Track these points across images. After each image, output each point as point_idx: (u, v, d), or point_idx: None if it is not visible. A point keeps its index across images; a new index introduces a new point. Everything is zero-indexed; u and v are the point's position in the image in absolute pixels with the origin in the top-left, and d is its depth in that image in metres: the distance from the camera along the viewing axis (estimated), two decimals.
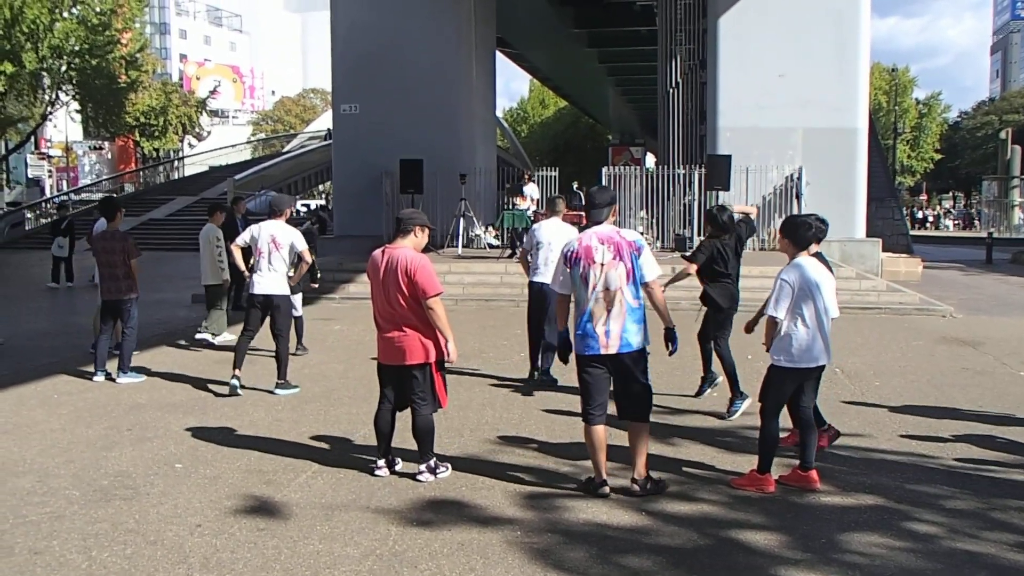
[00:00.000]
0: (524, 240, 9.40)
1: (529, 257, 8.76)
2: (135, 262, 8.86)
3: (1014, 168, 44.24)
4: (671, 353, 5.42)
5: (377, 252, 5.69)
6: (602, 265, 5.24)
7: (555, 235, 8.53)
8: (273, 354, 8.35)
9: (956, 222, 57.34)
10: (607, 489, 5.37)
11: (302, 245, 8.31)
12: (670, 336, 5.37)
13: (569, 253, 5.39)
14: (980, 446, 6.56)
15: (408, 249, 5.58)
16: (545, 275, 8.53)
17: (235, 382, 8.00)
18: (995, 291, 18.15)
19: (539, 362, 8.74)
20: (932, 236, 43.22)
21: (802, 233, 5.61)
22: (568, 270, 5.39)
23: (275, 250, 8.12)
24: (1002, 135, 48.18)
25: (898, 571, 4.40)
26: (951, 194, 73.55)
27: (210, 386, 8.45)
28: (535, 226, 8.99)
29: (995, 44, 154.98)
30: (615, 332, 5.23)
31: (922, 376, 9.25)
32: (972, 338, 11.71)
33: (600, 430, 5.35)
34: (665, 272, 5.94)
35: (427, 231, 5.74)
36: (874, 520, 5.04)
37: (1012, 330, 12.64)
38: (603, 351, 5.26)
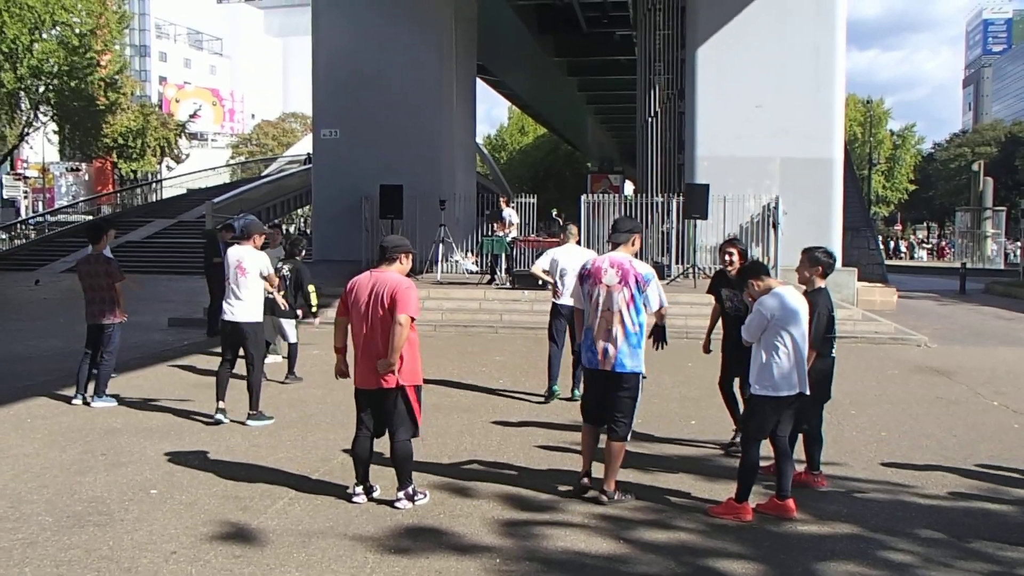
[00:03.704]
0: (539, 261, 9.57)
1: (557, 281, 9.06)
2: (120, 286, 8.78)
3: (987, 200, 44.89)
4: (655, 347, 6.07)
5: (363, 275, 5.72)
6: (607, 287, 5.71)
7: (577, 261, 8.70)
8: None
9: (929, 251, 58.04)
10: (585, 480, 5.88)
11: (268, 269, 8.17)
12: (656, 329, 6.07)
13: (583, 271, 5.95)
14: (954, 475, 6.62)
15: (395, 273, 5.64)
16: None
17: (220, 416, 7.85)
18: (969, 321, 18.36)
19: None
20: (906, 266, 43.70)
21: (758, 265, 6.01)
22: (580, 286, 5.90)
23: (241, 276, 7.93)
24: (975, 167, 48.93)
25: None
26: (925, 224, 74.49)
27: (190, 415, 8.37)
28: (553, 252, 9.27)
29: (968, 77, 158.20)
30: (612, 352, 5.66)
31: (897, 405, 9.33)
32: (946, 368, 11.83)
33: (586, 428, 5.96)
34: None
35: (411, 257, 5.82)
36: (850, 549, 5.07)
37: (986, 360, 12.78)
38: (600, 367, 5.71)
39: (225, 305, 8.03)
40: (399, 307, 5.43)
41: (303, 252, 10.57)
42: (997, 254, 43.67)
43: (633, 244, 5.94)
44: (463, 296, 16.52)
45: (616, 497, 5.75)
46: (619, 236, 5.92)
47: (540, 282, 9.35)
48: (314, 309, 10.58)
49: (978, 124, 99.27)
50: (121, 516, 5.43)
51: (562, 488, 6.06)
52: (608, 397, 5.75)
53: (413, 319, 5.51)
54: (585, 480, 5.92)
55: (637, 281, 5.67)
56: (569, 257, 8.96)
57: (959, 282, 26.52)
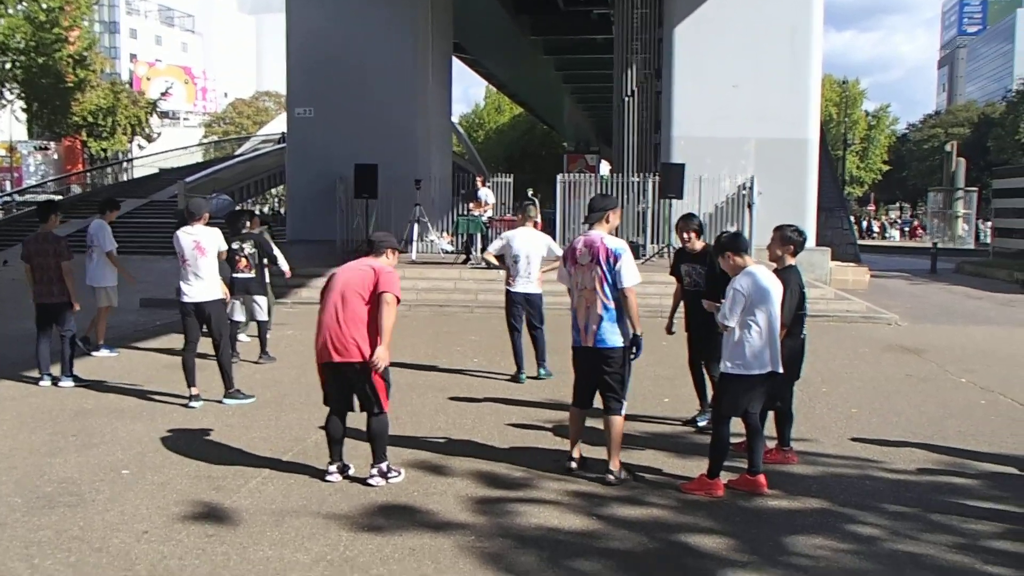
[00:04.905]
0: (493, 244, 9.50)
1: (508, 264, 9.04)
2: (67, 265, 8.65)
3: (959, 180, 45.26)
4: (634, 357, 5.85)
5: (349, 262, 5.80)
6: (582, 266, 5.83)
7: (530, 245, 8.90)
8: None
9: (901, 230, 58.57)
10: (572, 464, 5.97)
11: (223, 245, 8.17)
12: (634, 341, 5.81)
13: (565, 252, 6.12)
14: (922, 450, 6.72)
15: (381, 261, 5.71)
16: (527, 285, 8.95)
17: (194, 404, 7.75)
18: (939, 300, 18.58)
19: (528, 361, 9.13)
20: (879, 246, 44.13)
21: (740, 241, 5.84)
22: (563, 268, 6.07)
23: (200, 256, 7.83)
24: (948, 148, 49.29)
25: (842, 573, 4.50)
26: (898, 205, 75.10)
27: (163, 396, 8.31)
28: (509, 235, 9.18)
29: (942, 59, 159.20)
30: (592, 328, 5.76)
31: (868, 383, 9.45)
32: (916, 346, 11.98)
33: (574, 412, 6.05)
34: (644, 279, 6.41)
35: (396, 254, 5.88)
36: (819, 523, 5.15)
37: (955, 338, 12.96)
38: (583, 343, 5.83)
39: (184, 286, 7.86)
40: (382, 285, 5.47)
41: (247, 223, 10.32)
42: (968, 234, 44.16)
43: (608, 221, 5.93)
44: (438, 276, 16.49)
45: (623, 477, 5.79)
46: (593, 216, 5.98)
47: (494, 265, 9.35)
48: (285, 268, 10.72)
49: (952, 105, 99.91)
50: (92, 497, 5.39)
51: (535, 466, 6.10)
52: (596, 374, 5.83)
53: (398, 300, 5.53)
54: (572, 464, 5.98)
55: (607, 257, 5.71)
56: (523, 241, 8.96)
57: (930, 262, 26.82)
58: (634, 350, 5.82)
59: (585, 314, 5.78)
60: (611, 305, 5.72)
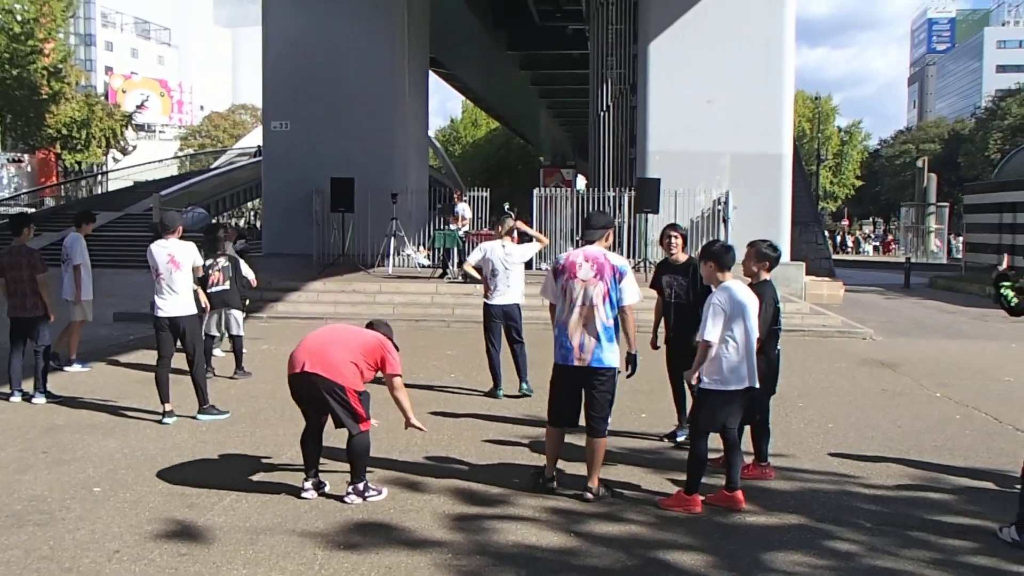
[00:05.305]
0: (472, 255, 9.47)
1: (487, 277, 8.97)
2: (41, 277, 8.56)
3: (930, 196, 45.84)
4: (629, 375, 5.84)
5: None
6: (583, 281, 5.63)
7: (508, 258, 8.88)
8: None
9: (875, 245, 59.15)
10: (553, 484, 5.87)
11: (199, 260, 8.11)
12: (631, 360, 5.83)
13: (557, 265, 5.83)
14: (899, 465, 6.75)
15: (386, 340, 5.75)
16: (506, 296, 8.89)
17: (168, 420, 7.64)
18: (913, 314, 18.74)
19: (507, 377, 9.03)
20: (853, 260, 44.50)
21: (728, 258, 5.73)
22: (554, 281, 5.78)
23: (176, 270, 7.76)
24: (919, 163, 49.89)
25: None
26: (871, 219, 75.87)
27: (136, 412, 8.20)
28: (487, 246, 9.11)
29: (912, 75, 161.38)
30: (588, 347, 5.61)
31: (844, 397, 9.49)
32: (891, 360, 12.06)
33: (554, 432, 5.87)
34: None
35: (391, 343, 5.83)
36: (798, 539, 5.14)
37: (929, 352, 13.07)
38: (576, 363, 5.64)
39: (159, 300, 7.79)
40: (391, 367, 5.63)
41: (225, 238, 10.25)
42: (941, 249, 44.67)
43: (607, 240, 5.87)
44: (415, 290, 16.44)
45: (601, 493, 5.74)
46: (592, 233, 5.83)
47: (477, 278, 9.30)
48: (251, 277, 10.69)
49: (922, 121, 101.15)
50: (63, 515, 5.29)
51: (514, 482, 6.06)
52: (583, 394, 5.70)
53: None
54: (553, 484, 5.89)
55: (613, 274, 5.62)
56: (501, 253, 8.91)
57: (904, 276, 27.06)
58: (628, 367, 5.81)
59: (581, 331, 5.61)
60: (610, 324, 5.62)
